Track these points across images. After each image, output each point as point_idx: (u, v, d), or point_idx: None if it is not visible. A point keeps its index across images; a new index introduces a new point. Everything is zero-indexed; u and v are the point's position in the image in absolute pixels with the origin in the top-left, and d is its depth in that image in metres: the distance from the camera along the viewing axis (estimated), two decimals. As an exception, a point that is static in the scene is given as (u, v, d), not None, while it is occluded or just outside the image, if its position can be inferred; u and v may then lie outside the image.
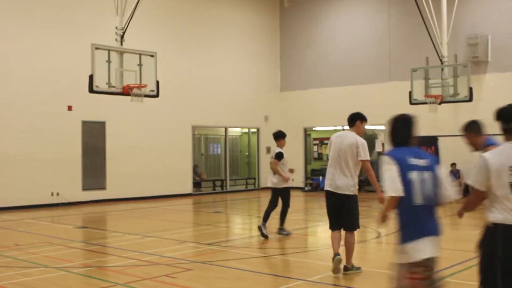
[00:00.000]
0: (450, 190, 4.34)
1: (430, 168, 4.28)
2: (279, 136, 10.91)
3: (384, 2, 21.02)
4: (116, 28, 13.28)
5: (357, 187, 7.31)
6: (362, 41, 21.49)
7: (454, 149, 18.97)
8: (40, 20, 16.73)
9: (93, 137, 17.84)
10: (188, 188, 20.21)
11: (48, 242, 10.19)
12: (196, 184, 21.58)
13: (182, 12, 20.60)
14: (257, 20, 23.39)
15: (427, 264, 4.16)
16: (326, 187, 7.37)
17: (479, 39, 18.17)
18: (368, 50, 21.26)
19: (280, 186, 10.62)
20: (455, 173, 18.67)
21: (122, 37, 13.17)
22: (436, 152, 19.36)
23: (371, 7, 21.55)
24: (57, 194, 16.66)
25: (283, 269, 7.53)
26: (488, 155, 4.19)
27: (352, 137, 7.32)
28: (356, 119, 7.48)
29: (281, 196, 10.68)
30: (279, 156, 10.56)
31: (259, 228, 10.30)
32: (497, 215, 4.10)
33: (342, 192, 7.20)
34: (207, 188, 22.36)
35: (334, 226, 7.30)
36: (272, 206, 10.72)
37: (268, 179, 10.83)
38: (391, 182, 4.21)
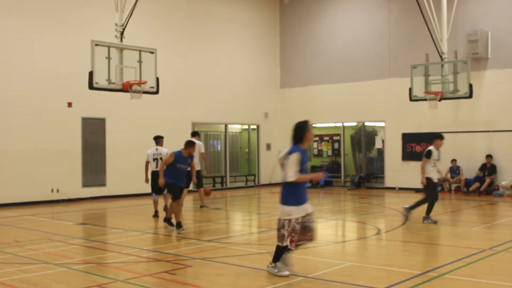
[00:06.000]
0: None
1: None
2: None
3: (384, -2, 20.99)
4: (116, 24, 13.30)
5: None
6: (362, 37, 21.46)
7: (454, 146, 19.00)
8: (40, 17, 16.71)
9: (93, 134, 17.85)
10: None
11: (48, 238, 10.21)
12: (196, 181, 21.58)
13: (182, 9, 20.59)
14: (257, 17, 23.37)
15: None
16: None
17: (479, 36, 18.14)
18: (368, 46, 21.24)
19: None
20: (455, 169, 18.62)
21: (122, 33, 13.18)
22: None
23: (371, 4, 21.51)
24: (57, 190, 16.68)
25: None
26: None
27: None
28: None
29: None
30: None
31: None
32: None
33: None
34: (207, 185, 22.31)
35: None
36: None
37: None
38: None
